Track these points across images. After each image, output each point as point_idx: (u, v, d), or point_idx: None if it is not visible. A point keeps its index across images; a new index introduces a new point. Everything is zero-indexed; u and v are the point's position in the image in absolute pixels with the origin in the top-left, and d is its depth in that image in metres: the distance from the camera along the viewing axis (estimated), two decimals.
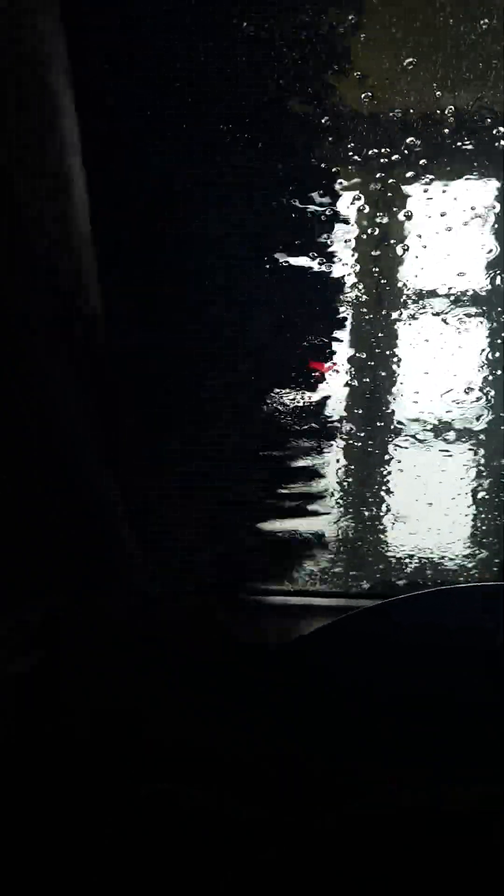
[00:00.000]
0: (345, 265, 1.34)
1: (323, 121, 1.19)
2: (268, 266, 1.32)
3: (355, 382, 1.46)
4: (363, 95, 1.16)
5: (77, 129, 0.95)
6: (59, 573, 1.19)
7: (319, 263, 1.33)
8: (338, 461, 1.55)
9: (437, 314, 1.37)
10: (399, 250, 1.32)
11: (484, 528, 1.58)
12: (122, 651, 1.24)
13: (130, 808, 1.01)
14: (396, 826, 0.93)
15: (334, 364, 1.44)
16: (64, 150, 0.92)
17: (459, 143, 1.21)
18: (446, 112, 1.18)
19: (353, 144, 1.21)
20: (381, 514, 1.60)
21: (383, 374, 1.45)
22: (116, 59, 1.14)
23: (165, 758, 1.14)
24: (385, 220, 1.29)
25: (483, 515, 1.58)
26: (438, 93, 1.16)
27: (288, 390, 1.44)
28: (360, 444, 1.52)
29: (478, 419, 1.47)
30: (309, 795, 1.08)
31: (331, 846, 0.93)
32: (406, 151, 1.21)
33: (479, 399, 1.46)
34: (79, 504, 1.16)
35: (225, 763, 1.14)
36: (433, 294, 1.37)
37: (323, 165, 1.23)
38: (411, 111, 1.19)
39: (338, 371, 1.45)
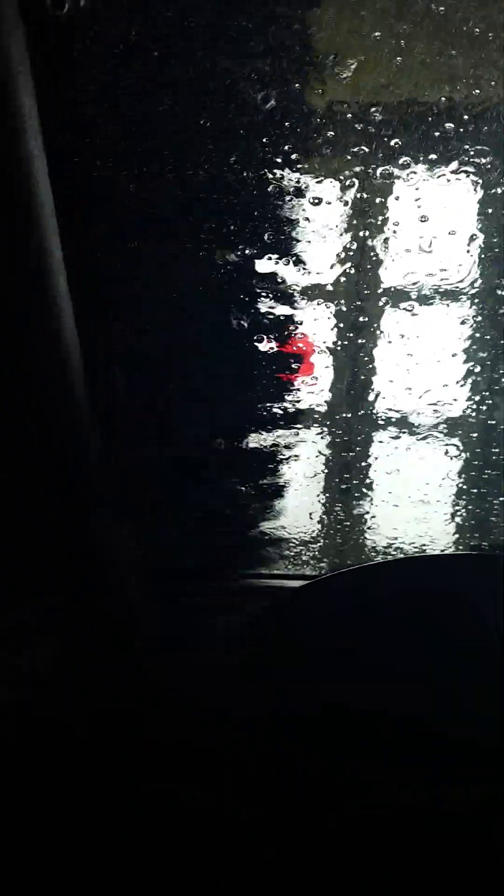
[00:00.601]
0: (324, 257, 1.33)
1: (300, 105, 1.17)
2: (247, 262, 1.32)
3: (336, 374, 1.47)
4: (341, 78, 1.15)
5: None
6: (59, 573, 1.19)
7: (296, 262, 1.33)
8: (320, 452, 1.57)
9: (419, 302, 1.38)
10: (379, 242, 1.32)
11: (465, 515, 1.61)
12: (122, 651, 1.24)
13: (130, 808, 1.01)
14: (396, 826, 0.93)
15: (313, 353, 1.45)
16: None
17: (438, 133, 1.20)
18: (425, 100, 1.17)
19: (331, 134, 1.21)
20: (363, 502, 1.62)
21: (365, 365, 1.46)
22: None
23: (165, 758, 1.14)
24: (365, 209, 1.28)
25: (464, 503, 1.60)
26: (418, 80, 1.15)
27: (271, 379, 1.45)
28: (343, 434, 1.54)
29: (459, 410, 1.49)
30: (309, 795, 1.08)
31: (331, 846, 0.93)
32: (385, 140, 1.21)
33: (461, 389, 1.47)
34: (78, 504, 1.16)
35: (225, 763, 1.14)
36: (413, 286, 1.37)
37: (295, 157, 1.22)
38: (390, 98, 1.18)
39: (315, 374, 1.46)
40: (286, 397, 1.49)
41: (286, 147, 1.20)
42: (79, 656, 1.20)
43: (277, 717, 1.18)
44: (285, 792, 1.09)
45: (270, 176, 1.23)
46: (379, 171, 1.23)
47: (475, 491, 1.59)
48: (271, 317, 1.39)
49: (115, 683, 1.20)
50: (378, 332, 1.43)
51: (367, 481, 1.60)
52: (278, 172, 1.23)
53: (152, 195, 1.25)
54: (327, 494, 1.62)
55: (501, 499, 1.59)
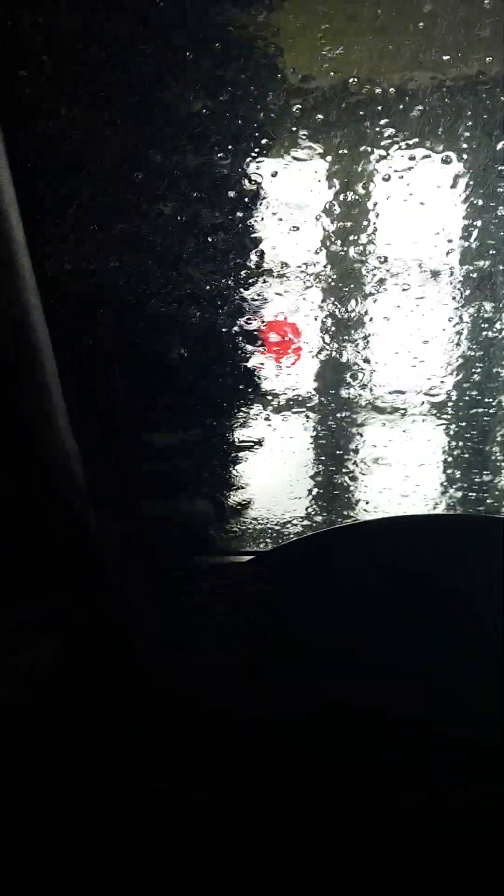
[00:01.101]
0: (312, 238, 1.33)
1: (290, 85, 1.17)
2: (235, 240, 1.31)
3: (324, 357, 1.47)
4: (330, 59, 1.15)
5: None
6: (59, 573, 1.19)
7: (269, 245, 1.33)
8: (309, 435, 1.58)
9: (405, 288, 1.38)
10: (367, 223, 1.31)
11: (451, 494, 1.63)
12: (122, 651, 1.24)
13: (130, 808, 1.01)
14: (396, 826, 0.93)
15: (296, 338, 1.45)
16: None
17: (419, 111, 1.20)
18: (414, 82, 1.17)
19: (320, 116, 1.20)
20: (349, 484, 1.63)
21: (351, 347, 1.46)
22: None
23: (165, 758, 1.14)
24: (353, 190, 1.28)
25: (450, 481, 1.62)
26: (408, 62, 1.15)
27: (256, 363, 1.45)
28: (329, 417, 1.54)
29: (445, 392, 1.50)
30: (309, 795, 1.08)
31: (331, 846, 0.93)
32: (374, 121, 1.20)
33: (446, 371, 1.48)
34: (78, 504, 1.16)
35: (225, 763, 1.14)
36: (400, 267, 1.37)
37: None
38: (380, 80, 1.17)
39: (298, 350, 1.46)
40: (271, 378, 1.49)
41: (262, 124, 1.19)
42: (79, 656, 1.20)
43: (277, 717, 1.18)
44: (285, 792, 1.09)
45: (252, 155, 1.22)
46: (360, 149, 1.22)
47: (461, 470, 1.60)
48: (255, 299, 1.38)
49: (115, 683, 1.20)
50: (363, 313, 1.43)
51: (354, 462, 1.61)
52: (256, 148, 1.22)
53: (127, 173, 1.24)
54: (314, 473, 1.63)
55: (487, 478, 1.60)
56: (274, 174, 1.25)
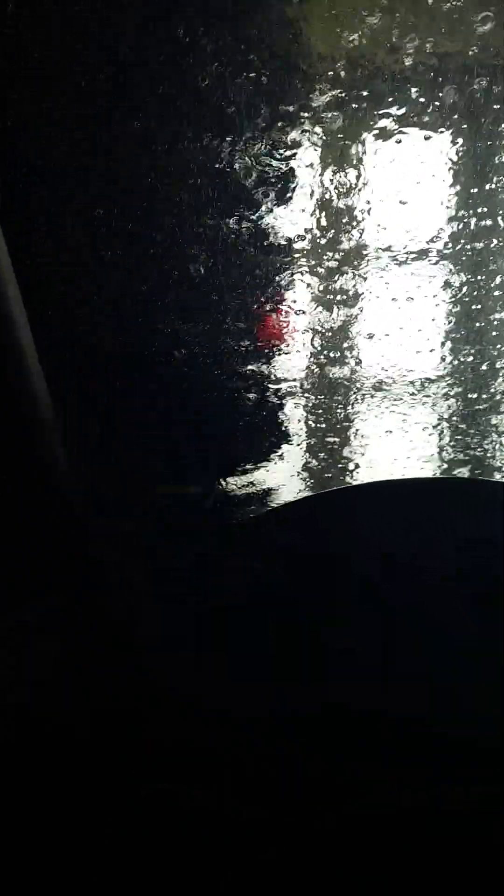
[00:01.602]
0: (304, 217, 1.32)
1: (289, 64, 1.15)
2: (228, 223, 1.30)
3: (318, 340, 1.47)
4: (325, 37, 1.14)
5: None
6: (59, 573, 1.19)
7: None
8: (302, 419, 1.59)
9: (399, 265, 1.37)
10: (361, 203, 1.31)
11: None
12: (122, 651, 1.24)
13: (130, 808, 1.01)
14: (396, 826, 0.93)
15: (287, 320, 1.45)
16: None
17: (420, 95, 1.19)
18: (409, 61, 1.16)
19: (315, 92, 1.19)
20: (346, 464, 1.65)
21: (346, 327, 1.46)
22: None
23: (165, 758, 1.14)
24: (348, 170, 1.28)
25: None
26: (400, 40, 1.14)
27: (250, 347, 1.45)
28: (323, 399, 1.55)
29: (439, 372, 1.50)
30: (309, 795, 1.08)
31: (331, 846, 0.93)
32: (371, 101, 1.20)
33: (441, 351, 1.48)
34: (78, 504, 1.16)
35: (225, 763, 1.14)
36: (393, 248, 1.37)
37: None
38: (376, 59, 1.17)
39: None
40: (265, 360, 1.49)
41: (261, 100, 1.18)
42: (79, 656, 1.20)
43: (277, 717, 1.18)
44: (285, 792, 1.09)
45: (246, 136, 1.20)
46: (357, 125, 1.21)
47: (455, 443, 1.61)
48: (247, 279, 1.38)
49: (115, 683, 1.20)
50: (357, 292, 1.43)
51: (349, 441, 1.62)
52: (252, 128, 1.21)
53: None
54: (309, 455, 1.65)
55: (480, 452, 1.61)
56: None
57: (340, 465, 1.68)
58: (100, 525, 1.19)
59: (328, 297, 1.43)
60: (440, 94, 1.18)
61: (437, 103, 1.19)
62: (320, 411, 1.59)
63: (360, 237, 1.35)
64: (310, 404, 1.58)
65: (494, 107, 1.19)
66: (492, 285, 1.41)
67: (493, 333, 1.47)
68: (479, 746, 1.09)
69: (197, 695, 1.21)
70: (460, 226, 1.33)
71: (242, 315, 1.41)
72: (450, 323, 1.46)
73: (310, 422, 1.62)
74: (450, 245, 1.35)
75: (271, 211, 1.30)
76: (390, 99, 1.18)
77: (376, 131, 1.22)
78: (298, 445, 1.65)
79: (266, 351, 1.47)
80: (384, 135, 1.22)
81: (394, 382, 1.54)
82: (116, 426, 1.46)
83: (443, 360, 1.51)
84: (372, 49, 1.15)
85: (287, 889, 0.90)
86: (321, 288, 1.42)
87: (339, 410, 1.58)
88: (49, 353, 1.03)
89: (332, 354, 1.50)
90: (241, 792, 1.06)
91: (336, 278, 1.40)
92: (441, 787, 0.98)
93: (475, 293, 1.43)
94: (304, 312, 1.45)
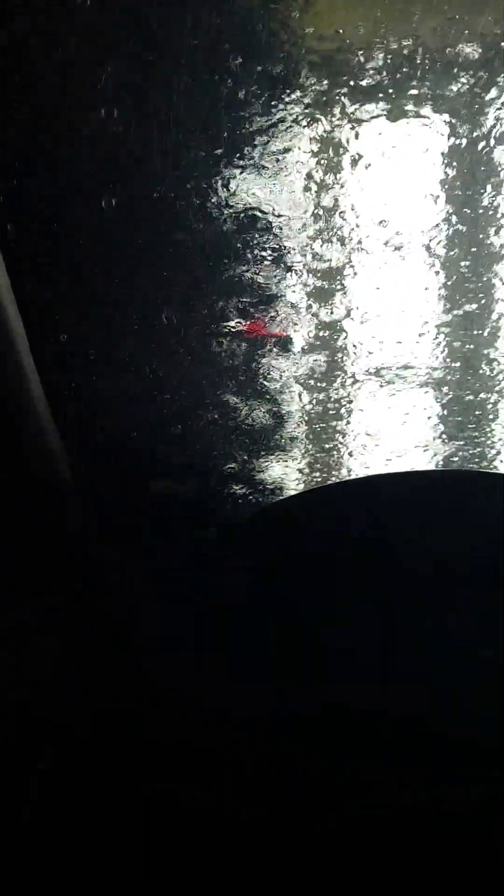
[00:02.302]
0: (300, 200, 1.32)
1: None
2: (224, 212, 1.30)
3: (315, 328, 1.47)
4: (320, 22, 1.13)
5: None
6: (59, 573, 1.19)
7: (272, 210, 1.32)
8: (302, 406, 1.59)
9: (395, 249, 1.37)
10: (356, 188, 1.31)
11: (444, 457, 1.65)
12: (122, 651, 1.24)
13: (130, 808, 1.01)
14: (396, 826, 0.93)
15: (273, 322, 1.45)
16: None
17: (415, 81, 1.19)
18: (406, 47, 1.16)
19: (310, 79, 1.19)
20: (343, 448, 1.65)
21: (344, 317, 1.46)
22: None
23: (165, 758, 1.14)
24: (343, 156, 1.27)
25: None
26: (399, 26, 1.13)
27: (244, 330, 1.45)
28: (322, 386, 1.55)
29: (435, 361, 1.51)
30: (309, 795, 1.08)
31: (331, 846, 0.93)
32: (363, 85, 1.19)
33: (435, 340, 1.49)
34: (77, 505, 1.17)
35: (225, 763, 1.14)
36: (388, 233, 1.37)
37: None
38: (371, 44, 1.16)
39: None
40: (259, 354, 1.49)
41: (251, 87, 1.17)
42: (79, 656, 1.20)
43: (277, 718, 1.18)
44: (285, 792, 1.09)
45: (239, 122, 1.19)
46: (349, 111, 1.20)
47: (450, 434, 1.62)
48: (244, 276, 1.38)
49: (115, 683, 1.20)
50: (351, 282, 1.43)
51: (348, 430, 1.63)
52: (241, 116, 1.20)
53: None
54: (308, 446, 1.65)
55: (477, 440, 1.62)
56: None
57: (338, 459, 1.68)
58: (100, 525, 1.19)
59: (322, 286, 1.43)
60: (439, 84, 1.18)
61: (438, 91, 1.19)
62: (317, 405, 1.59)
63: (354, 228, 1.35)
64: (306, 398, 1.59)
65: (491, 97, 1.19)
66: (490, 273, 1.41)
67: (491, 321, 1.47)
68: (479, 746, 1.09)
69: (197, 695, 1.21)
70: (456, 215, 1.33)
71: (236, 311, 1.41)
72: (447, 311, 1.47)
73: (307, 417, 1.62)
74: (446, 233, 1.35)
75: (262, 202, 1.30)
76: (388, 87, 1.18)
77: (372, 119, 1.22)
78: (295, 441, 1.65)
79: (261, 346, 1.48)
80: (380, 123, 1.22)
81: (392, 373, 1.54)
82: (115, 426, 1.46)
83: (437, 345, 1.51)
84: (369, 37, 1.14)
85: (287, 889, 0.90)
86: (315, 280, 1.42)
87: (336, 403, 1.59)
88: (45, 352, 1.03)
89: (328, 344, 1.50)
90: (241, 792, 1.06)
91: (330, 269, 1.40)
92: (441, 787, 0.98)
93: (473, 279, 1.43)
94: (296, 306, 1.45)
